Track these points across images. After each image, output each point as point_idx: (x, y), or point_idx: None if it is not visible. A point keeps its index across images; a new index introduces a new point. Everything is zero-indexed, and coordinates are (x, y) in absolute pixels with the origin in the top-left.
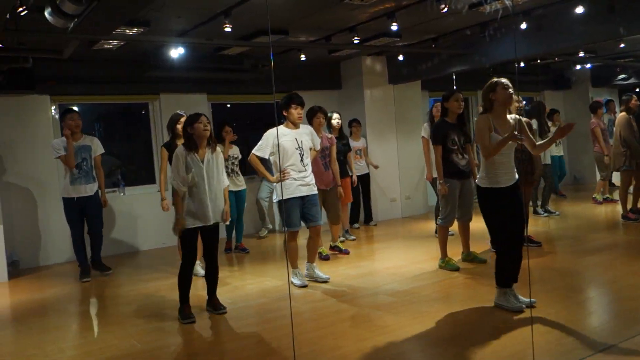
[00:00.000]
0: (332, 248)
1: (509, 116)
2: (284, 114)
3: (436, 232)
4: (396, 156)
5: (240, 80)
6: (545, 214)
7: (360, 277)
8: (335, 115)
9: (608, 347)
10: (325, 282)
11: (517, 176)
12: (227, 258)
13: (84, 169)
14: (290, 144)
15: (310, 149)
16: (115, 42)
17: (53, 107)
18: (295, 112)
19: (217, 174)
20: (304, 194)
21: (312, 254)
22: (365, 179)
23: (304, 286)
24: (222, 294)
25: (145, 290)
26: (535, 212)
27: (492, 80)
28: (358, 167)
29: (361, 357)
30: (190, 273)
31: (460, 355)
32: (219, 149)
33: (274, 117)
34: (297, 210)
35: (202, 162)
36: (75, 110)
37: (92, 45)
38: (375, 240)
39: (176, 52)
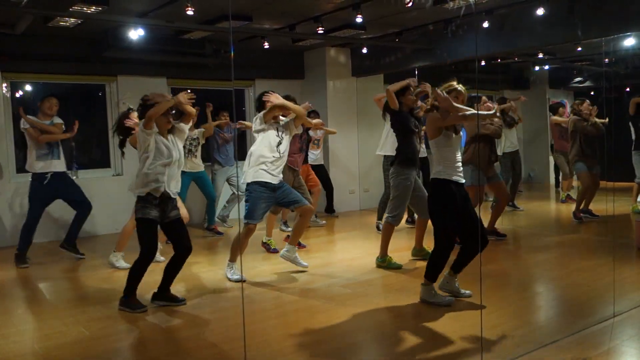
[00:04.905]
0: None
1: None
2: None
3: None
4: (356, 149)
5: (202, 65)
6: (511, 209)
7: (316, 268)
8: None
9: (555, 341)
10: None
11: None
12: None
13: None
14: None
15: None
16: (72, 19)
17: (4, 84)
18: None
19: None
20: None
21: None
22: (321, 170)
23: (242, 281)
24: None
25: (96, 277)
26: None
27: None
28: (313, 158)
29: (312, 348)
30: (148, 266)
31: (409, 348)
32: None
33: (234, 104)
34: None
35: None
36: (53, 96)
37: (48, 22)
38: (333, 231)
39: (136, 34)
